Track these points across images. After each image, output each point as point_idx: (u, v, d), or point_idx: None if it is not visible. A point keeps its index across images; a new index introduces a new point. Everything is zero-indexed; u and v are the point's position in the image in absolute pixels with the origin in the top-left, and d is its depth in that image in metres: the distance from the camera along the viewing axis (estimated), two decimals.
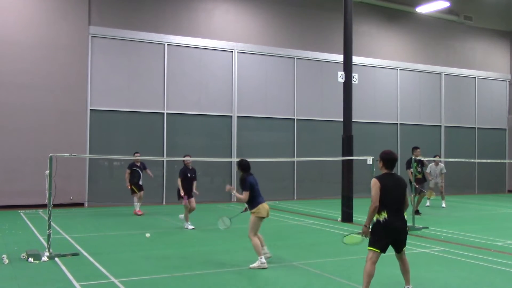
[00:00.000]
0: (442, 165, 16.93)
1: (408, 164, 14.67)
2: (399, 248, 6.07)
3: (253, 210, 8.00)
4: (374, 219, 6.01)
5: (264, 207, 8.02)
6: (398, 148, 22.42)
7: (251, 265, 7.69)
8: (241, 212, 8.63)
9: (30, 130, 15.97)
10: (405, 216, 6.06)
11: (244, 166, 8.14)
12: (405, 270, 6.19)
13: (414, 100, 23.15)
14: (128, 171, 14.57)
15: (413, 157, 14.29)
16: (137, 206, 14.60)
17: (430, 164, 16.74)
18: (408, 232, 11.41)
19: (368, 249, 5.99)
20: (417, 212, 14.35)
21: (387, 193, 5.92)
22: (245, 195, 7.90)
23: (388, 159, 6.08)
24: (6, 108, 15.78)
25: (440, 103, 23.81)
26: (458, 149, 23.73)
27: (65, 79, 16.52)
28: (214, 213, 14.17)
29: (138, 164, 14.64)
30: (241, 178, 8.05)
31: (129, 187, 14.48)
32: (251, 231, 7.91)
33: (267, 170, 19.62)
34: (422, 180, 15.00)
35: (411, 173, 14.33)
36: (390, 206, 5.92)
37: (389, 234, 5.94)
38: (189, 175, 12.09)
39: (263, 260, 7.68)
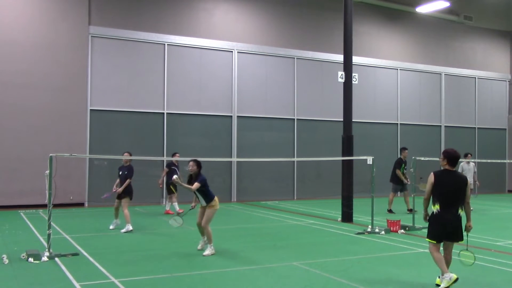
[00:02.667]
0: (472, 164, 16.81)
1: (397, 164, 15.60)
2: (452, 239, 6.51)
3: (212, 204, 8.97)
4: (429, 210, 6.60)
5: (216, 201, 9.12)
6: (398, 148, 22.41)
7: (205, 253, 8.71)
8: (190, 209, 9.42)
9: (30, 130, 15.97)
10: (459, 212, 6.47)
11: (199, 165, 8.92)
12: (446, 261, 6.51)
13: (414, 100, 23.15)
14: (166, 169, 14.70)
15: (401, 157, 15.34)
16: (176, 205, 14.65)
17: (462, 164, 16.70)
18: (409, 232, 11.46)
19: (428, 240, 6.55)
20: (410, 210, 14.88)
21: (441, 187, 6.45)
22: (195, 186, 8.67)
23: (454, 157, 6.61)
24: (6, 108, 15.78)
25: (440, 103, 23.82)
26: (458, 149, 23.23)
27: (65, 79, 16.52)
28: None
29: (177, 164, 14.68)
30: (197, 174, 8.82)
31: (160, 186, 15.07)
32: (210, 221, 8.99)
33: (267, 170, 19.64)
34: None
35: (401, 173, 15.40)
36: (442, 200, 6.43)
37: (440, 226, 6.43)
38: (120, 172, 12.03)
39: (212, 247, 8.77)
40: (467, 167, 16.43)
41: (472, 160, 16.72)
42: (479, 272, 7.65)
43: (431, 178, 6.51)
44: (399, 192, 16.24)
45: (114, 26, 17.43)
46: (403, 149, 15.95)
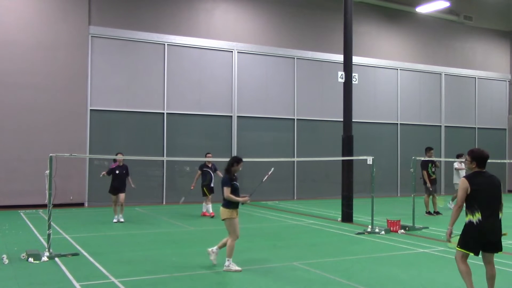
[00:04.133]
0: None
1: (424, 165, 14.87)
2: (492, 250, 5.79)
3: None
4: (467, 219, 5.75)
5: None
6: (398, 148, 22.43)
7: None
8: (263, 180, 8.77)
9: (30, 130, 15.96)
10: (500, 217, 5.78)
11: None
12: (490, 276, 5.95)
13: (414, 100, 23.15)
14: (199, 172, 14.11)
15: (427, 158, 14.57)
16: (209, 208, 14.12)
17: (455, 163, 16.34)
18: (409, 232, 11.46)
19: (459, 249, 5.82)
20: (437, 213, 14.90)
21: (480, 192, 5.68)
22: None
23: (483, 158, 5.88)
24: (6, 108, 15.77)
25: (440, 103, 23.82)
26: (458, 149, 23.64)
27: (65, 79, 16.51)
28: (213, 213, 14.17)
29: (210, 166, 14.08)
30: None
31: (192, 188, 14.02)
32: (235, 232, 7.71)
33: (267, 170, 19.58)
34: (435, 181, 15.21)
35: (428, 174, 14.77)
36: (483, 206, 5.66)
37: (482, 236, 5.67)
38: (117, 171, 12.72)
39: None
40: (459, 167, 16.06)
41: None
42: (479, 272, 7.64)
43: (464, 183, 5.72)
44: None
45: (114, 26, 17.43)
46: (428, 149, 15.08)
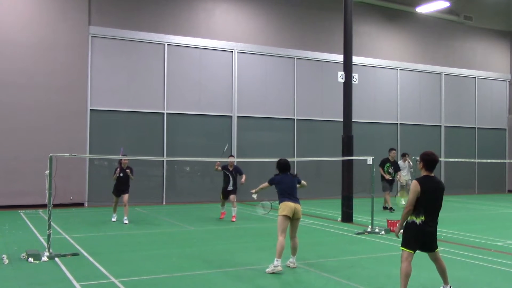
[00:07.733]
0: (408, 161, 16.93)
1: (382, 163, 16.31)
2: (431, 249, 6.07)
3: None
4: (409, 219, 5.95)
5: (286, 205, 7.59)
6: (398, 148, 22.41)
7: (267, 270, 7.43)
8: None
9: (30, 130, 15.96)
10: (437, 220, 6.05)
11: (277, 166, 8.07)
12: (441, 270, 6.24)
13: (414, 100, 23.16)
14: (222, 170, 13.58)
15: (388, 157, 16.26)
16: (233, 211, 13.31)
17: (399, 161, 16.98)
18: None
19: (402, 249, 5.97)
20: (391, 209, 16.00)
21: (427, 196, 5.83)
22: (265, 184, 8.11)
23: (430, 160, 5.93)
24: (6, 108, 15.77)
25: (440, 103, 23.82)
26: (458, 149, 23.74)
27: (65, 79, 16.51)
28: (213, 213, 14.17)
29: (231, 169, 13.43)
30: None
31: (216, 166, 13.52)
32: (278, 230, 7.62)
33: (267, 170, 19.54)
34: (391, 181, 16.37)
35: (383, 171, 16.17)
36: (429, 210, 5.86)
37: (421, 237, 5.92)
38: (121, 174, 12.79)
39: (276, 263, 7.35)
40: (403, 165, 16.88)
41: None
42: (479, 272, 7.65)
43: (416, 186, 5.81)
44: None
45: (114, 26, 17.42)
46: (391, 149, 16.59)
